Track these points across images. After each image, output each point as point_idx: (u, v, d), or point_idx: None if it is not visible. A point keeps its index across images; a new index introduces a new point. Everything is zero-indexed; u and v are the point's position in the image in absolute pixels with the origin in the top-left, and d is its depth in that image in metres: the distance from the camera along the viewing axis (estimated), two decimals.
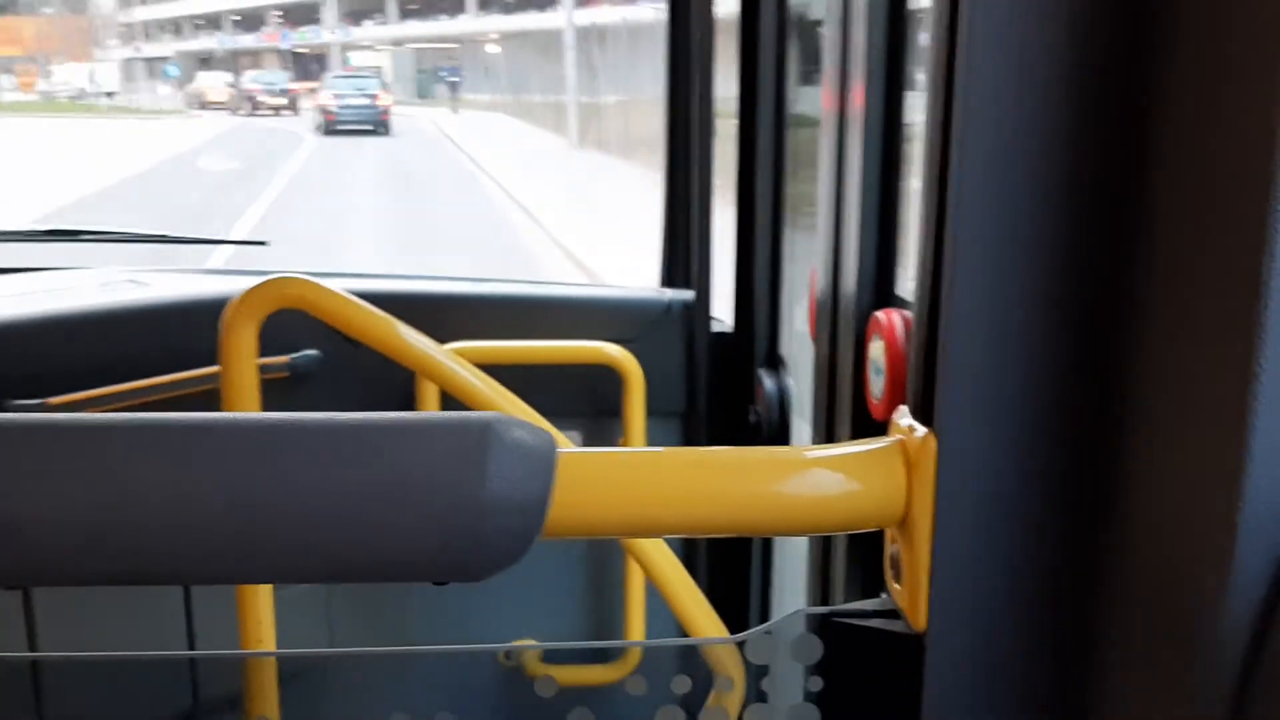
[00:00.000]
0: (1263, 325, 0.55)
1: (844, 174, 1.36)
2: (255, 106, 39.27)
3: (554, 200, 15.08)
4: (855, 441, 0.75)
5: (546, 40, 28.69)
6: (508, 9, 39.46)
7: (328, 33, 54.66)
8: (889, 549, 0.75)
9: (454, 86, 43.28)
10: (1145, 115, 0.63)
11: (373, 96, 30.31)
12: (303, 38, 56.04)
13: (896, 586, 0.74)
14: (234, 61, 55.70)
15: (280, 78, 42.79)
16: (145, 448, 0.63)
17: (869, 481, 0.71)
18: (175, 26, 61.44)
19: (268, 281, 1.59)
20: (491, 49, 40.92)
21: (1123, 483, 0.67)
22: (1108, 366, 0.66)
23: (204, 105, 42.76)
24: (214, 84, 45.17)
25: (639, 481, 0.70)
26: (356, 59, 49.52)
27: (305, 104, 37.99)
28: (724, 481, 0.71)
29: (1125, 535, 0.67)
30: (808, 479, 0.71)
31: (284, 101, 39.94)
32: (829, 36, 1.40)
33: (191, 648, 1.99)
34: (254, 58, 57.05)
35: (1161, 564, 0.64)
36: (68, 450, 0.62)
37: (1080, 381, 0.67)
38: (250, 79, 42.67)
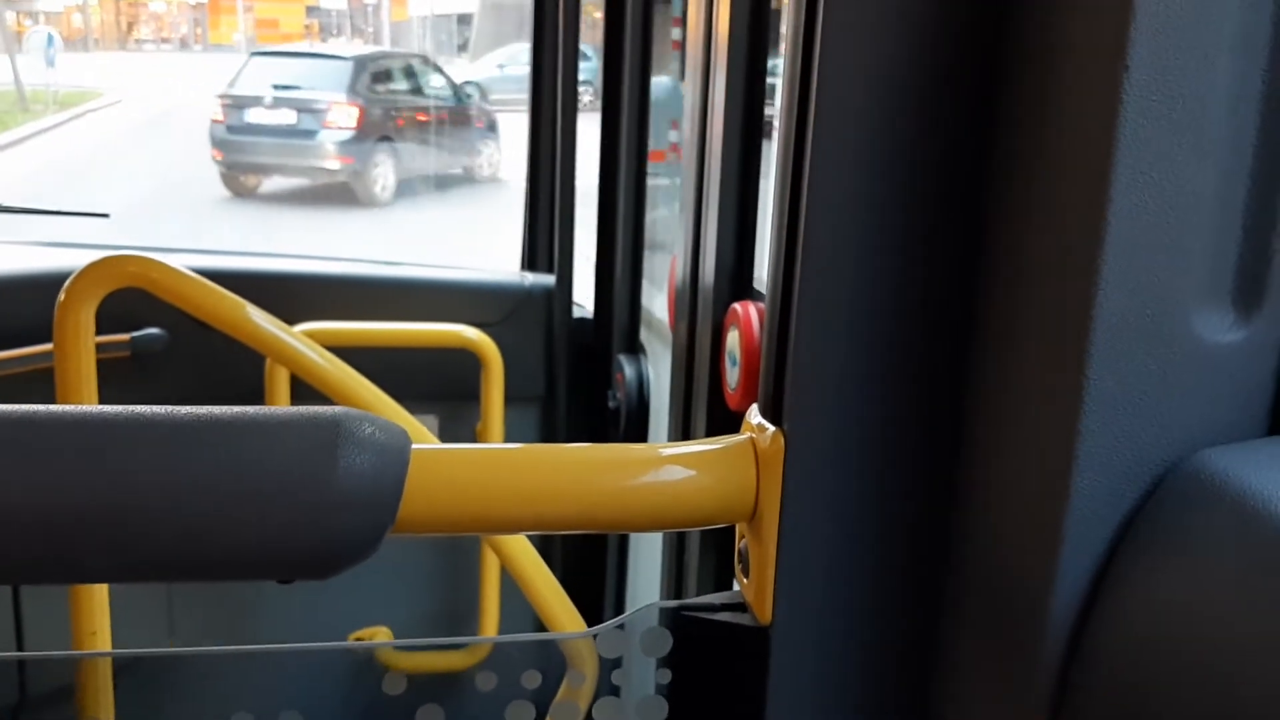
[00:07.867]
0: (1092, 328, 0.58)
1: (705, 164, 1.37)
2: None
3: None
4: (708, 440, 0.76)
5: None
6: None
7: None
8: (739, 544, 0.77)
9: None
10: (993, 118, 0.66)
11: None
12: None
13: (745, 580, 0.76)
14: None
15: None
16: None
17: (720, 478, 0.72)
18: None
19: (108, 259, 1.51)
20: None
21: (963, 481, 0.69)
22: (951, 366, 0.69)
23: None
24: None
25: (493, 479, 0.70)
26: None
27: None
28: (578, 479, 0.70)
29: (966, 532, 0.69)
30: (661, 476, 0.71)
31: None
32: (692, 27, 1.41)
33: (19, 638, 1.89)
34: None
35: (998, 561, 0.66)
36: None
37: (924, 382, 0.69)
38: None
